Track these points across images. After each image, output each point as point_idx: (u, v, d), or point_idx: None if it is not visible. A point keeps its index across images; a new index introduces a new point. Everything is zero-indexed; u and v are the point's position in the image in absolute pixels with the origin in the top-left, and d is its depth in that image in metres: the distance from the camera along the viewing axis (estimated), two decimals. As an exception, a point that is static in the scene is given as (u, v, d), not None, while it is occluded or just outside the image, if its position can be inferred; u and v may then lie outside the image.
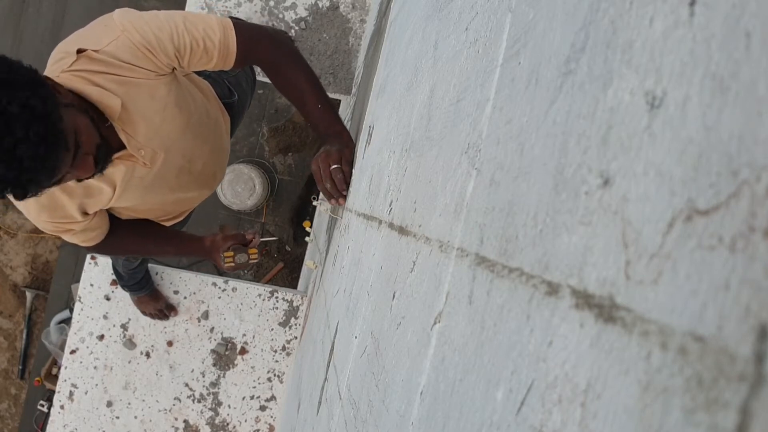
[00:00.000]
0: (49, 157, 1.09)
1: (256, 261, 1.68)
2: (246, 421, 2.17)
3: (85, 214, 1.44)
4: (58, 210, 1.39)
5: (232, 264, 1.63)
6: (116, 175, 1.39)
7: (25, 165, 1.05)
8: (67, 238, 1.51)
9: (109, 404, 2.11)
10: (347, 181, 1.37)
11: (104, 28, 1.30)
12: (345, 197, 1.39)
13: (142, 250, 1.74)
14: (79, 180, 1.28)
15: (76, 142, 1.17)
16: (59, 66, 1.26)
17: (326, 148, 1.41)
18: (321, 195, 1.50)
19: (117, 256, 1.96)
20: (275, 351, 2.16)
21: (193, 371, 2.13)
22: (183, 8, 2.31)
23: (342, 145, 1.41)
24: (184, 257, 1.81)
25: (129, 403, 2.12)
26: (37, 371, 3.73)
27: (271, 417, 2.18)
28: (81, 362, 2.10)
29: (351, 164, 1.39)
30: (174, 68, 1.37)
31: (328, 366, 1.09)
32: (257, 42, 1.44)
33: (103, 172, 1.32)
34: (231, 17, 1.51)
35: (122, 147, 1.35)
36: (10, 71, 1.08)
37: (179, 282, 2.11)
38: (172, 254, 1.74)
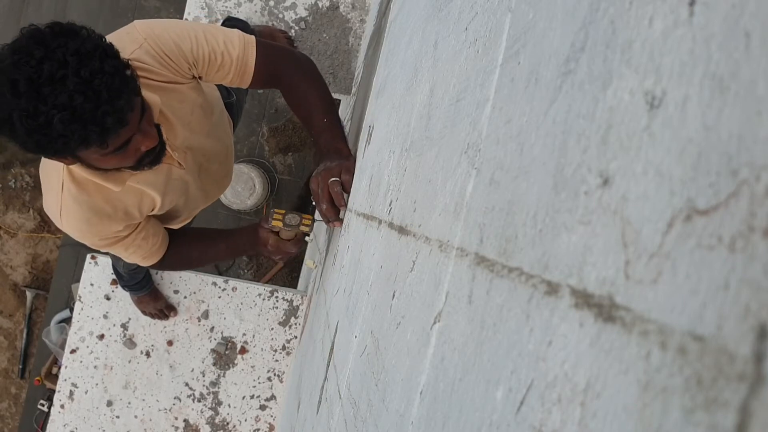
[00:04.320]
0: (124, 91, 1.09)
1: (308, 231, 1.51)
2: (246, 420, 2.17)
3: (129, 225, 1.42)
4: (104, 221, 1.37)
5: (280, 224, 1.47)
6: (158, 178, 1.40)
7: (102, 96, 1.05)
8: (120, 252, 1.47)
9: (109, 404, 2.11)
10: (347, 191, 1.34)
11: (127, 36, 1.31)
12: (341, 220, 1.36)
13: (203, 255, 1.68)
14: (141, 159, 1.25)
15: (143, 105, 1.17)
16: None
17: (326, 164, 1.38)
18: None
19: (182, 269, 1.93)
20: (275, 350, 2.16)
21: (193, 371, 2.13)
22: (183, 8, 2.31)
23: (342, 159, 1.38)
24: (237, 252, 1.74)
25: (129, 403, 2.12)
26: (37, 371, 3.73)
27: (271, 416, 2.18)
28: (81, 362, 2.10)
29: (352, 174, 1.35)
30: (194, 75, 1.38)
31: (328, 365, 1.09)
32: (278, 63, 1.43)
33: (160, 161, 1.31)
34: (250, 34, 1.49)
35: None
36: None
37: (179, 282, 2.11)
38: (227, 252, 1.65)
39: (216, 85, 1.69)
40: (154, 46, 1.30)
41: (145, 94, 1.23)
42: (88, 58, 1.05)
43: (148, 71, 1.28)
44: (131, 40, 1.30)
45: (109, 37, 1.29)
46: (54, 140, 1.05)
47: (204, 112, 1.45)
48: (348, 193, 1.34)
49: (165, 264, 1.56)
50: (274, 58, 1.43)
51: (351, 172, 1.35)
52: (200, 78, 1.40)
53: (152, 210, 1.44)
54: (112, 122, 1.08)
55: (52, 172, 1.33)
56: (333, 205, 1.36)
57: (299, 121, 1.68)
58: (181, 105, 1.37)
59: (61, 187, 1.31)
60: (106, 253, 1.91)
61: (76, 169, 1.28)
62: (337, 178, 1.34)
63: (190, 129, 1.42)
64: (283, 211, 1.50)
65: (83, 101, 1.03)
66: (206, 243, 1.66)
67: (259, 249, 1.58)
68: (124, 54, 1.23)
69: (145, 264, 1.52)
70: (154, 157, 1.28)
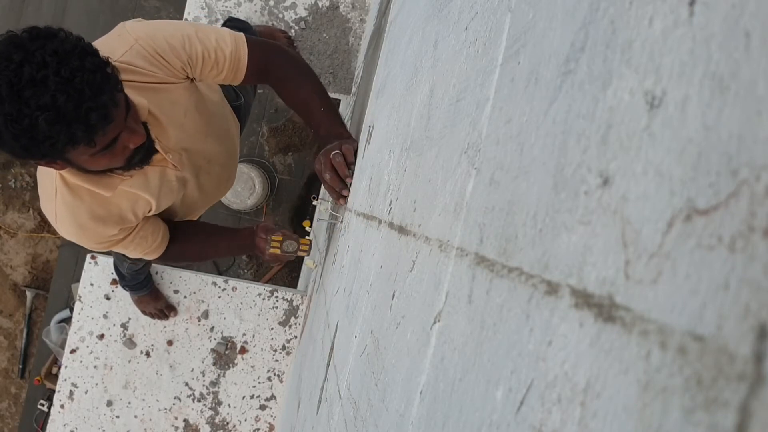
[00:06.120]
0: (106, 87, 1.08)
1: (306, 254, 1.59)
2: (246, 420, 2.17)
3: (125, 228, 1.43)
4: (99, 226, 1.37)
5: (278, 251, 1.54)
6: (151, 181, 1.40)
7: (85, 94, 1.04)
8: (121, 250, 1.50)
9: (109, 403, 2.11)
10: (347, 162, 1.36)
11: (118, 38, 1.31)
12: (348, 189, 1.38)
13: (203, 252, 1.71)
14: (131, 157, 1.25)
15: (128, 103, 1.17)
16: None
17: (327, 147, 1.41)
18: (321, 193, 1.49)
19: (182, 263, 1.96)
20: (275, 350, 2.16)
21: (193, 370, 2.13)
22: (183, 8, 2.31)
23: (342, 140, 1.41)
24: (235, 252, 1.80)
25: (129, 403, 2.12)
26: (37, 370, 3.73)
27: (271, 416, 2.18)
28: (81, 361, 2.10)
29: (354, 152, 1.37)
30: (187, 75, 1.38)
31: (327, 365, 1.09)
32: (268, 57, 1.45)
33: (149, 160, 1.31)
34: (238, 30, 1.51)
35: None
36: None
37: (179, 281, 2.11)
38: (226, 251, 1.70)
39: (223, 87, 1.70)
40: (146, 46, 1.30)
41: (133, 96, 1.23)
42: (68, 57, 1.04)
43: (137, 73, 1.28)
44: (122, 42, 1.29)
45: (98, 42, 1.29)
46: (41, 142, 1.05)
47: (200, 114, 1.45)
48: (351, 163, 1.36)
49: (167, 258, 1.59)
50: (265, 54, 1.44)
51: (352, 145, 1.37)
52: (194, 79, 1.40)
53: (148, 212, 1.45)
54: (97, 118, 1.07)
55: (46, 177, 1.34)
56: (337, 174, 1.38)
57: (297, 117, 1.71)
58: (172, 106, 1.37)
59: (54, 192, 1.31)
60: (108, 253, 1.93)
61: (68, 175, 1.28)
62: (338, 151, 1.36)
63: (184, 130, 1.42)
64: (281, 238, 1.55)
65: (66, 100, 1.03)
66: (207, 240, 1.68)
67: (257, 254, 1.63)
68: (114, 57, 1.22)
69: (147, 258, 1.56)
70: (143, 155, 1.27)
